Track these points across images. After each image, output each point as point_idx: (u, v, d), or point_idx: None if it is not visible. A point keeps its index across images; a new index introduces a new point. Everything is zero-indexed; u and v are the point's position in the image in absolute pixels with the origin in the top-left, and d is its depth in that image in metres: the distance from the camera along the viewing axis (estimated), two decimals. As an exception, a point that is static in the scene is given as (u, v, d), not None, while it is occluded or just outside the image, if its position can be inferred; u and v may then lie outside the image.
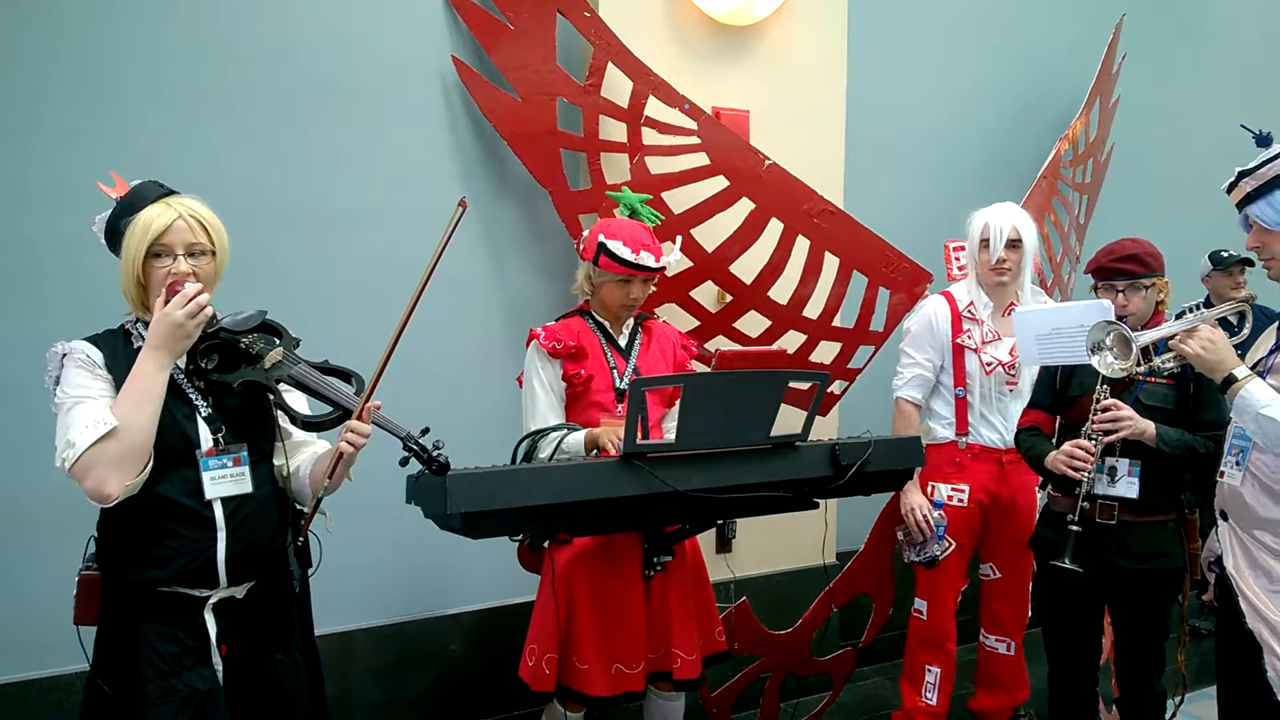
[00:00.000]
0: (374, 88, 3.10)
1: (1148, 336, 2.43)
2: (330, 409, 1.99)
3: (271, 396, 1.99)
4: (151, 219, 1.89)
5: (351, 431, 1.93)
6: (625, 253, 2.56)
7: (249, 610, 1.98)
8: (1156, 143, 5.14)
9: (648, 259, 2.58)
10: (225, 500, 1.92)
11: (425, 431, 1.99)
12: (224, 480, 1.93)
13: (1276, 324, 2.36)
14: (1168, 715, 2.80)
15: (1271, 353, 2.27)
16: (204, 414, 1.94)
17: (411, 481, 2.07)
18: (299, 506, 2.11)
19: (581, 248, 2.71)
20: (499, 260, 3.32)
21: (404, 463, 1.98)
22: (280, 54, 2.96)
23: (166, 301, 1.86)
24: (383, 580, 3.19)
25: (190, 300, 1.86)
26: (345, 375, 2.07)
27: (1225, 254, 4.53)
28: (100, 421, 1.78)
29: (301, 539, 2.05)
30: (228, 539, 1.91)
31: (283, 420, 2.08)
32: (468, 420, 3.18)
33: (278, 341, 2.05)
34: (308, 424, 2.02)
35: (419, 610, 3.26)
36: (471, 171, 3.26)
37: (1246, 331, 2.55)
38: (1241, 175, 2.24)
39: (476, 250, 3.26)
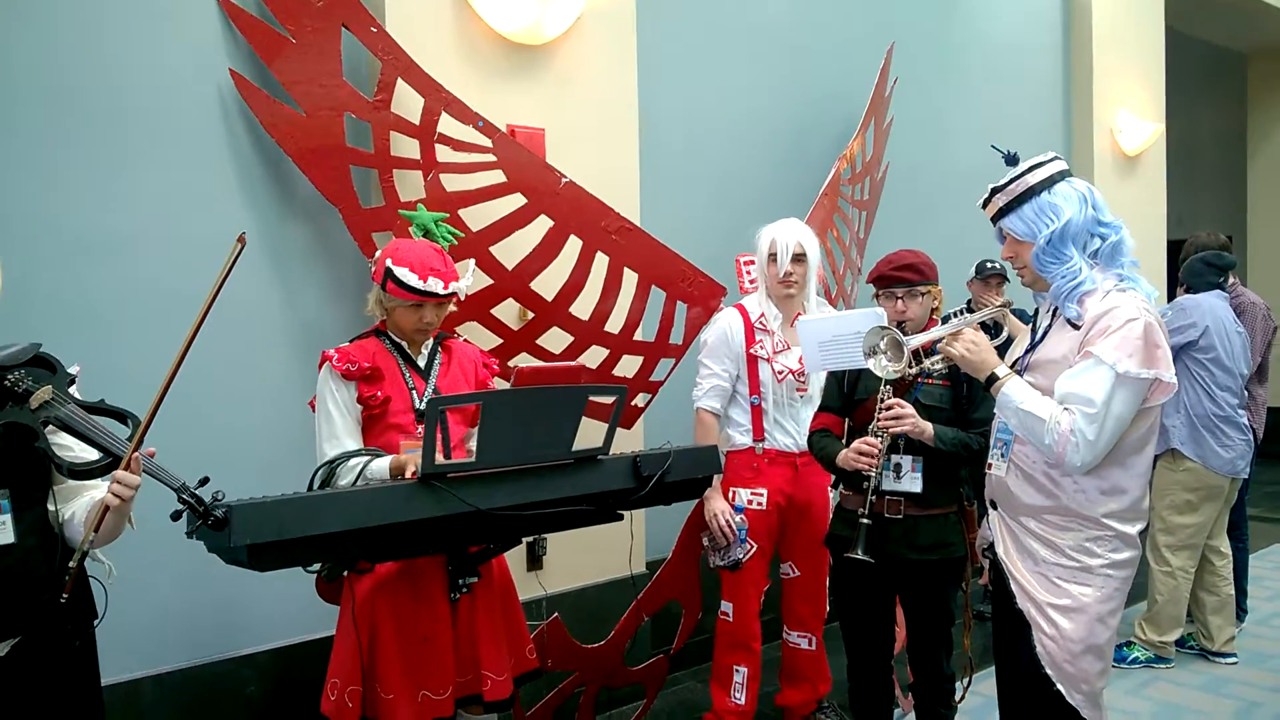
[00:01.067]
0: (146, 102, 2.93)
1: (917, 340, 2.58)
2: (100, 455, 1.86)
3: (36, 440, 1.84)
4: None
5: (118, 483, 1.82)
6: (412, 279, 2.49)
7: (13, 670, 1.82)
8: (926, 161, 5.51)
9: (436, 285, 2.51)
10: (10, 548, 1.78)
11: (204, 481, 1.89)
12: None
13: (1029, 325, 2.56)
14: (957, 696, 2.98)
15: (1027, 352, 2.45)
16: None
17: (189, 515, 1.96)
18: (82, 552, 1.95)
19: (373, 269, 2.64)
20: (287, 282, 3.19)
21: (175, 516, 1.87)
22: (46, 68, 2.76)
23: None
24: (169, 622, 2.99)
25: None
26: (120, 416, 1.94)
27: (990, 264, 4.89)
28: None
29: (66, 595, 1.87)
30: (12, 587, 1.77)
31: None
32: (259, 452, 3.04)
33: (49, 378, 1.90)
34: (74, 472, 1.88)
35: (211, 652, 3.07)
36: (255, 190, 3.13)
37: (1005, 335, 2.75)
38: (994, 191, 2.40)
39: (262, 271, 3.13)
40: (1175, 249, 5.46)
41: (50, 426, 1.85)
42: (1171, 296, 4.90)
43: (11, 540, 1.81)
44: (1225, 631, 4.39)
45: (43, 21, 2.77)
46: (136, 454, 1.83)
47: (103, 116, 2.86)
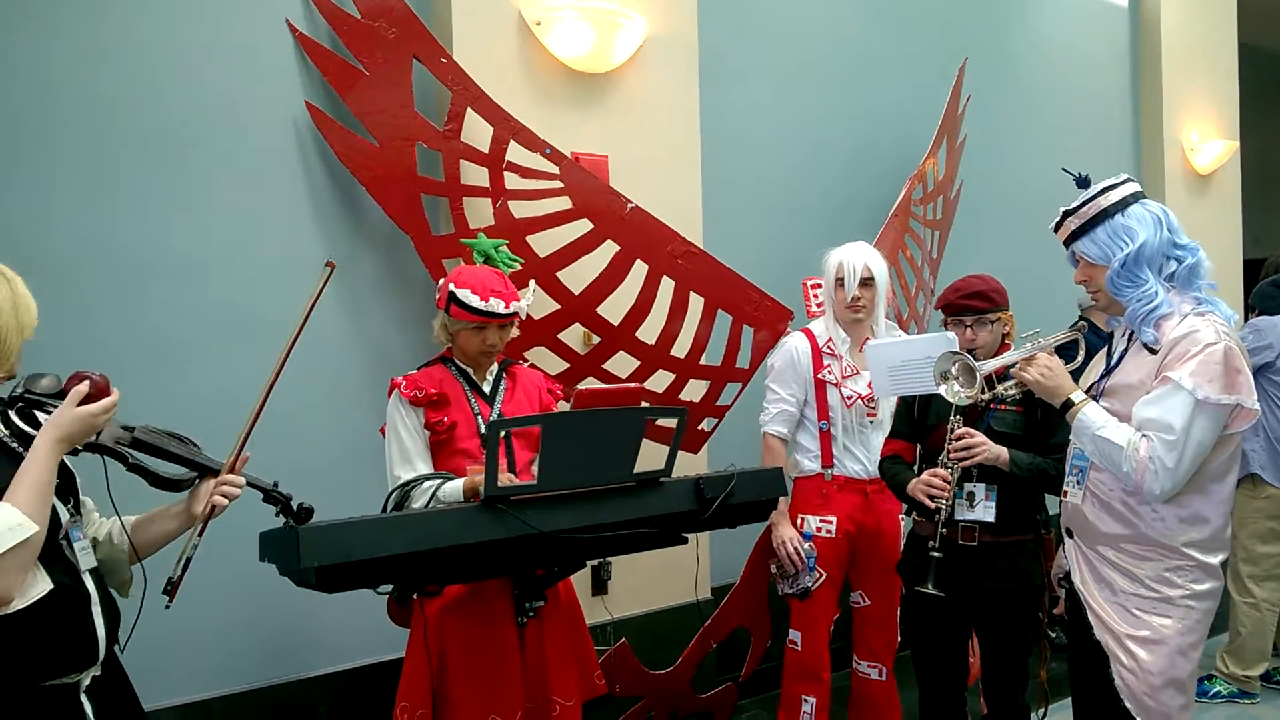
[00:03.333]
0: (225, 134, 3.02)
1: (990, 365, 2.54)
2: (184, 470, 1.95)
3: (130, 462, 1.91)
4: (27, 293, 1.80)
5: (227, 484, 1.93)
6: (474, 300, 2.54)
7: (109, 687, 1.87)
8: (998, 179, 5.44)
9: (497, 305, 2.56)
10: (91, 573, 1.84)
11: (275, 485, 2.00)
12: (85, 553, 1.84)
13: (1105, 348, 2.51)
14: (1033, 728, 2.91)
15: (1102, 377, 2.40)
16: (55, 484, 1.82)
17: (264, 538, 2.00)
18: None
19: (437, 296, 2.69)
20: (358, 309, 3.25)
21: (277, 511, 1.99)
22: (124, 100, 2.86)
23: (86, 400, 1.75)
24: (242, 644, 3.04)
25: (113, 408, 1.79)
26: (179, 437, 2.00)
27: None
28: (15, 524, 1.63)
29: (169, 604, 1.93)
30: (102, 608, 1.82)
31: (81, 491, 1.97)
32: (331, 478, 3.09)
33: None
34: (164, 484, 1.95)
35: (282, 673, 3.11)
36: (328, 218, 3.20)
37: (1080, 358, 2.69)
38: (1066, 215, 2.37)
39: (333, 299, 3.18)
40: (1252, 269, 5.32)
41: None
42: (1245, 317, 4.76)
43: (95, 564, 1.87)
44: (1313, 665, 4.23)
45: (125, 55, 2.87)
46: (241, 456, 1.94)
47: (183, 147, 2.95)
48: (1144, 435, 2.17)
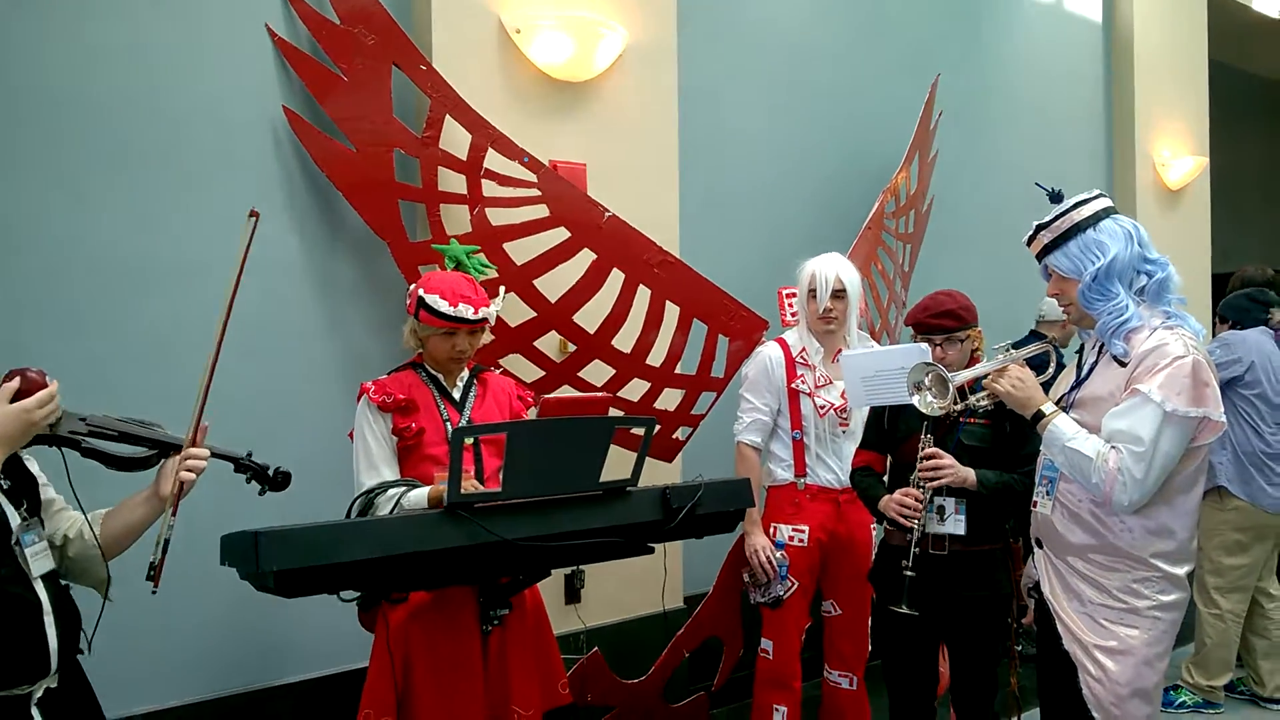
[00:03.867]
0: (203, 138, 3.01)
1: (963, 376, 2.56)
2: (144, 449, 1.93)
3: (84, 447, 1.88)
4: None
5: (191, 458, 1.91)
6: (443, 305, 2.54)
7: (66, 698, 1.84)
8: (970, 194, 5.49)
9: (466, 310, 2.56)
10: (44, 579, 1.79)
11: (249, 455, 2.03)
12: (40, 557, 1.80)
13: (1075, 360, 2.54)
14: (1001, 738, 2.93)
15: (1072, 389, 2.43)
16: (4, 486, 1.79)
17: (225, 541, 1.98)
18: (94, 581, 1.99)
19: (407, 302, 2.69)
20: (333, 313, 3.25)
21: (251, 479, 2.04)
22: (103, 103, 2.85)
23: (18, 395, 1.72)
24: (203, 651, 3.01)
25: (51, 400, 1.77)
26: (138, 421, 1.99)
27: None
28: None
29: (155, 589, 1.93)
30: (56, 619, 1.78)
31: (42, 490, 1.94)
32: (303, 481, 3.05)
33: None
34: (123, 464, 1.93)
35: (245, 682, 3.08)
36: (305, 222, 3.19)
37: (1051, 371, 2.73)
38: (1039, 229, 2.40)
39: (309, 303, 3.19)
40: (1220, 283, 5.39)
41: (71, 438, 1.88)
42: (1213, 330, 4.82)
43: (54, 565, 1.84)
44: (1276, 676, 4.27)
45: (98, 57, 2.85)
46: (200, 428, 1.92)
47: (158, 150, 2.94)
48: (1113, 447, 2.20)
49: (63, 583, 1.92)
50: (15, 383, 1.73)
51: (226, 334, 2.08)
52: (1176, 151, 6.84)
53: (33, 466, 1.91)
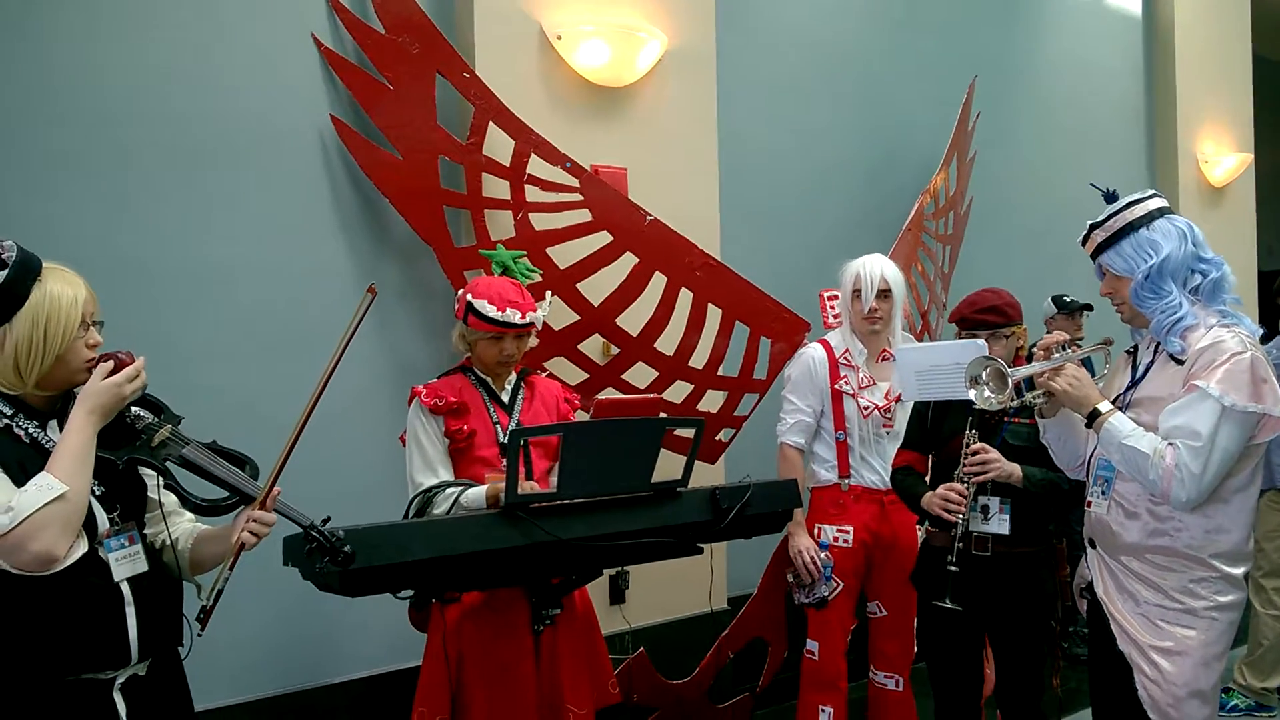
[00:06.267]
0: (252, 146, 3.07)
1: (1021, 372, 2.51)
2: (225, 494, 1.94)
3: (162, 478, 1.92)
4: (78, 289, 1.83)
5: (255, 520, 1.90)
6: (490, 310, 2.58)
7: (153, 687, 1.90)
8: (1009, 194, 5.46)
9: (514, 315, 2.59)
10: (130, 580, 1.85)
11: (326, 520, 1.97)
12: (125, 561, 1.86)
13: (1123, 358, 2.52)
14: (1047, 739, 2.91)
15: (1128, 388, 2.41)
16: (98, 492, 1.85)
17: (288, 543, 2.02)
18: (190, 580, 2.03)
19: (456, 307, 2.72)
20: (382, 318, 3.29)
21: (309, 554, 1.94)
22: (154, 113, 2.92)
23: (114, 371, 1.82)
24: (262, 650, 3.07)
25: (138, 375, 1.84)
26: (238, 460, 2.00)
27: (1068, 299, 4.82)
28: (46, 486, 1.69)
29: (201, 633, 1.93)
30: (137, 613, 1.84)
31: (152, 492, 1.99)
32: (354, 484, 3.13)
33: (159, 418, 1.98)
34: (199, 508, 1.95)
35: (302, 681, 3.14)
36: (352, 229, 3.25)
37: (1100, 372, 2.69)
38: (1093, 228, 2.38)
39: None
40: (1266, 280, 5.32)
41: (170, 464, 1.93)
42: (1268, 328, 4.75)
43: (146, 569, 1.90)
44: (1331, 679, 4.21)
45: (148, 67, 2.92)
46: (273, 492, 1.91)
47: (211, 159, 3.00)
48: (1170, 443, 2.18)
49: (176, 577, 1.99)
50: (110, 364, 1.83)
51: (317, 398, 2.05)
52: (1220, 148, 6.76)
53: (148, 471, 1.95)
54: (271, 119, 3.10)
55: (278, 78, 3.11)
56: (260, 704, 3.06)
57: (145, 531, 1.97)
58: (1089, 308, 4.86)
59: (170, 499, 2.01)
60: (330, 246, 3.20)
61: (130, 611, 1.84)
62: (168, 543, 2.00)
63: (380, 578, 2.05)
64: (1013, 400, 2.49)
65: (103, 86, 2.84)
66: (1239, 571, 2.27)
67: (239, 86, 3.05)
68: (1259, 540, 3.91)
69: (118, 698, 1.83)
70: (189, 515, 2.07)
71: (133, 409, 1.93)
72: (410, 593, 2.48)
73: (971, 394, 2.45)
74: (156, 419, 1.95)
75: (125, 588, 1.85)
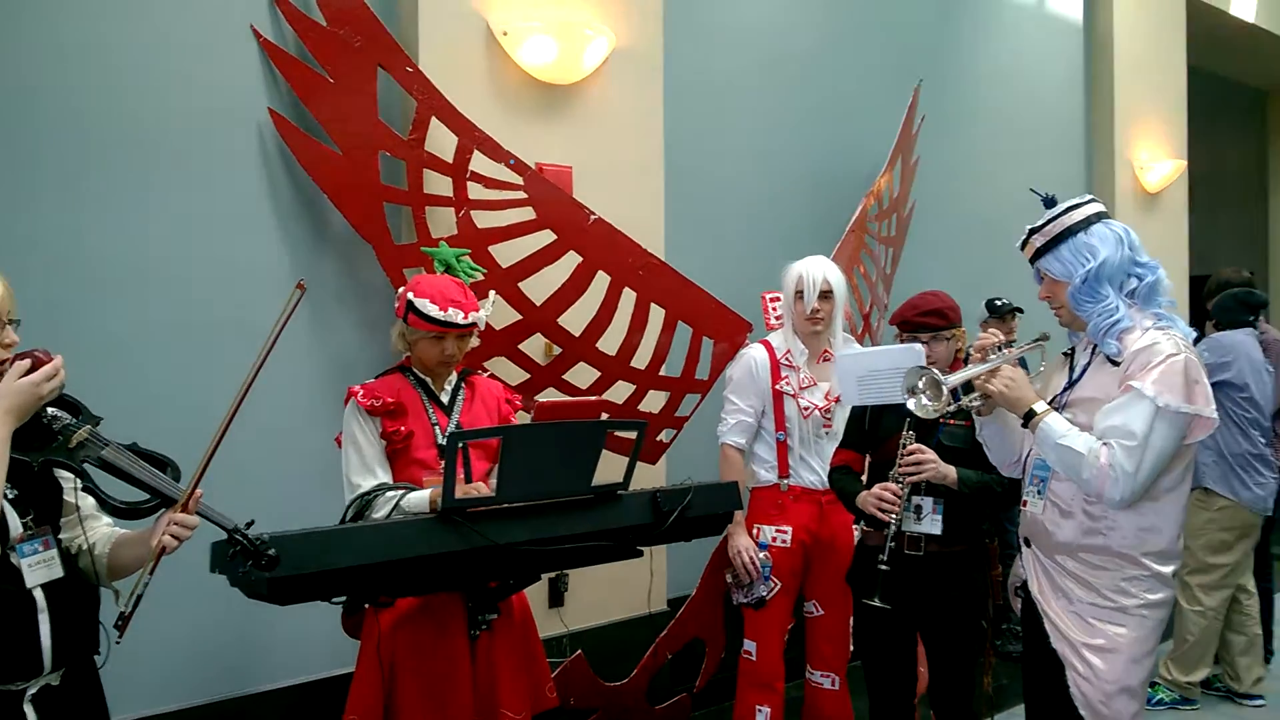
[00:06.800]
0: (189, 139, 3.00)
1: (955, 378, 2.52)
2: (146, 496, 1.88)
3: (79, 480, 1.87)
4: None
5: (176, 524, 1.85)
6: (433, 310, 2.54)
7: (67, 698, 1.84)
8: (951, 198, 5.54)
9: (456, 315, 2.55)
10: (44, 587, 1.81)
11: (250, 524, 1.92)
12: (39, 567, 1.81)
13: (1059, 359, 2.56)
14: (979, 736, 2.96)
15: (1065, 390, 2.45)
16: (10, 496, 1.80)
17: (216, 548, 1.98)
18: (109, 586, 1.98)
19: (396, 305, 2.68)
20: (319, 316, 3.24)
21: (232, 558, 1.89)
22: (88, 103, 2.83)
23: (30, 370, 1.77)
24: (187, 658, 2.99)
25: (57, 374, 1.80)
26: (160, 462, 1.95)
27: (999, 302, 4.91)
28: None
29: (119, 640, 1.88)
30: (51, 621, 1.79)
31: (69, 495, 1.94)
32: (288, 487, 3.08)
33: (78, 418, 1.93)
34: (118, 511, 1.90)
35: (229, 689, 3.07)
36: (289, 225, 3.18)
37: (1036, 372, 2.72)
38: (1031, 232, 2.42)
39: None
40: (1197, 284, 5.46)
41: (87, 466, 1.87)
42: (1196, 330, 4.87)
43: (61, 574, 1.85)
44: (1253, 672, 4.34)
45: (81, 57, 2.83)
46: (195, 495, 1.86)
47: (146, 151, 2.92)
48: (1105, 443, 2.22)
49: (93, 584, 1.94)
50: (26, 363, 1.79)
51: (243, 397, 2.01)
52: (1155, 155, 6.92)
53: (65, 474, 1.90)
54: (209, 112, 3.03)
55: (216, 70, 3.04)
56: (184, 714, 2.98)
57: (61, 536, 1.92)
58: (1020, 310, 4.95)
59: (88, 502, 1.96)
60: (267, 242, 3.13)
61: (44, 619, 1.79)
62: (84, 548, 1.95)
63: (311, 584, 2.01)
64: (949, 406, 2.52)
65: (34, 79, 2.75)
66: (1169, 570, 2.33)
67: (176, 79, 2.97)
68: (1187, 540, 4.01)
69: (28, 709, 1.78)
70: (107, 519, 2.01)
71: (49, 410, 1.87)
72: (343, 599, 2.45)
73: (910, 403, 2.47)
74: (75, 420, 1.89)
75: (39, 595, 1.80)
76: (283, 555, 1.91)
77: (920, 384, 2.47)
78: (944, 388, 2.43)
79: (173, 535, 1.85)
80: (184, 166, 2.99)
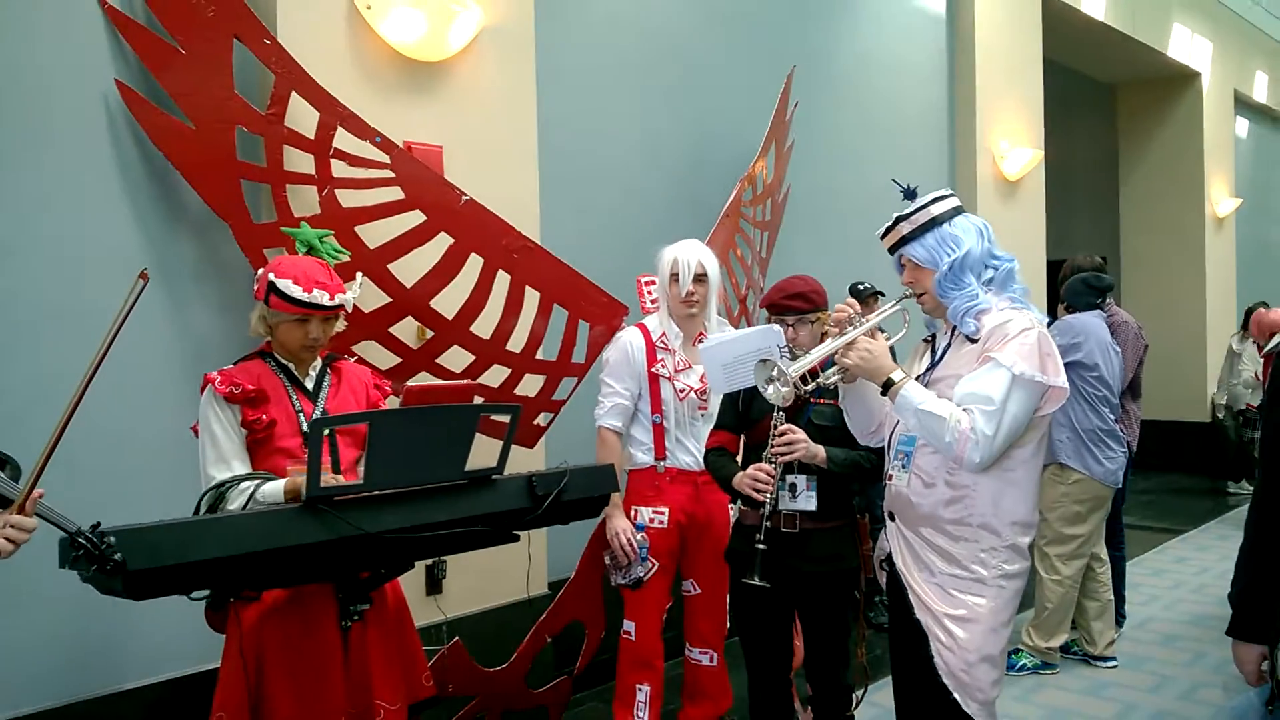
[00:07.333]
0: (27, 112, 2.80)
1: (812, 357, 2.53)
2: None
3: None
4: None
5: (11, 526, 1.74)
6: (296, 291, 2.44)
7: None
8: (825, 184, 5.65)
9: (322, 296, 2.47)
10: None
11: (96, 526, 1.81)
12: None
13: (920, 346, 2.64)
14: (853, 706, 3.03)
15: (927, 370, 2.52)
16: None
17: (61, 546, 1.86)
18: None
19: (255, 287, 2.57)
20: (174, 299, 3.08)
21: (71, 563, 1.78)
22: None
23: None
24: (44, 657, 2.83)
25: None
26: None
27: (862, 286, 5.05)
28: None
29: None
30: None
31: None
32: (144, 477, 2.93)
33: None
34: None
35: (88, 689, 2.92)
36: (141, 203, 3.01)
37: (903, 332, 2.74)
38: (899, 220, 2.48)
39: (148, 288, 2.98)
40: (1054, 269, 5.72)
41: None
42: (1050, 313, 5.10)
43: None
44: (1106, 636, 4.58)
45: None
46: (31, 496, 1.75)
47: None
48: (965, 409, 2.30)
49: None
50: None
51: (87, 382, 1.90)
52: (1014, 144, 7.21)
53: None
54: (49, 83, 2.83)
55: (57, 37, 2.84)
56: (43, 715, 2.82)
57: None
58: (881, 294, 5.10)
59: None
60: (115, 222, 2.96)
61: None
62: None
63: (168, 579, 1.92)
64: (808, 387, 2.56)
65: None
66: (1025, 541, 2.42)
67: (13, 45, 2.77)
68: (1042, 511, 4.20)
69: None
70: None
71: None
72: (206, 593, 2.34)
73: (768, 392, 2.48)
74: None
75: None
76: (139, 547, 1.82)
77: (774, 373, 2.48)
78: (790, 378, 2.44)
79: (8, 539, 1.74)
80: (22, 142, 2.79)
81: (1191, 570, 6.28)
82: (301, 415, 2.53)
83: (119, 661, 2.99)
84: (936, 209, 2.45)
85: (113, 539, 1.79)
